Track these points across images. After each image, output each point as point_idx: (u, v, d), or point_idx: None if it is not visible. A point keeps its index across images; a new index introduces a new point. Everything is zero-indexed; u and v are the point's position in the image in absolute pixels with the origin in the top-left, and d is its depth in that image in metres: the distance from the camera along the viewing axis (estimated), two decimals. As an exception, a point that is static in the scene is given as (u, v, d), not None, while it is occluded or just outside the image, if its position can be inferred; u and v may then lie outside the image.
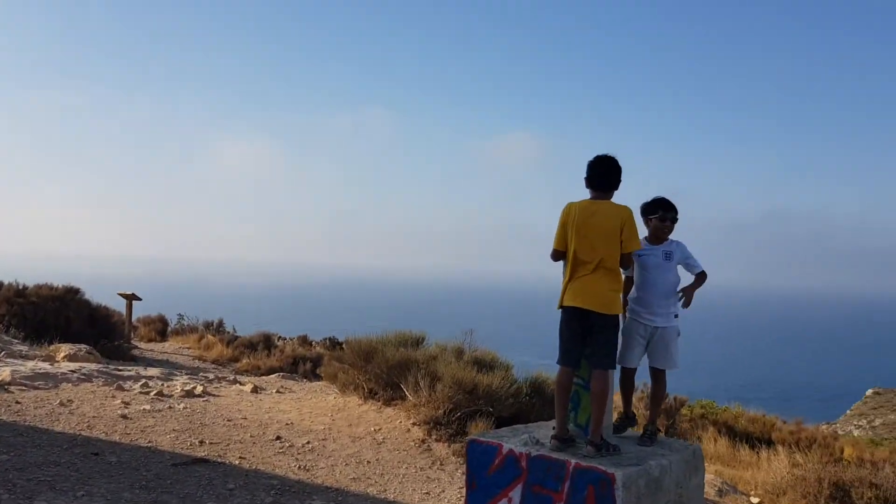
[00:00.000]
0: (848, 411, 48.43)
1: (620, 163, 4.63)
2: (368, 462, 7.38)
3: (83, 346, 13.18)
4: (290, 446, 7.71)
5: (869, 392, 50.10)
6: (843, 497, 7.66)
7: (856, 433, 38.09)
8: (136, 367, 12.79)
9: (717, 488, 8.34)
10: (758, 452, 11.01)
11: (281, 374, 14.67)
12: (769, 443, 12.29)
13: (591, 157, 4.66)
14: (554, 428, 4.69)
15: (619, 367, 4.90)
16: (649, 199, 4.98)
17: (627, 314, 4.89)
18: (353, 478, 6.84)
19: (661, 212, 4.87)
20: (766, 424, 13.87)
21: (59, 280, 16.64)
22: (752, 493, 8.92)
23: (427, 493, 6.67)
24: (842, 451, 12.03)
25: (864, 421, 44.05)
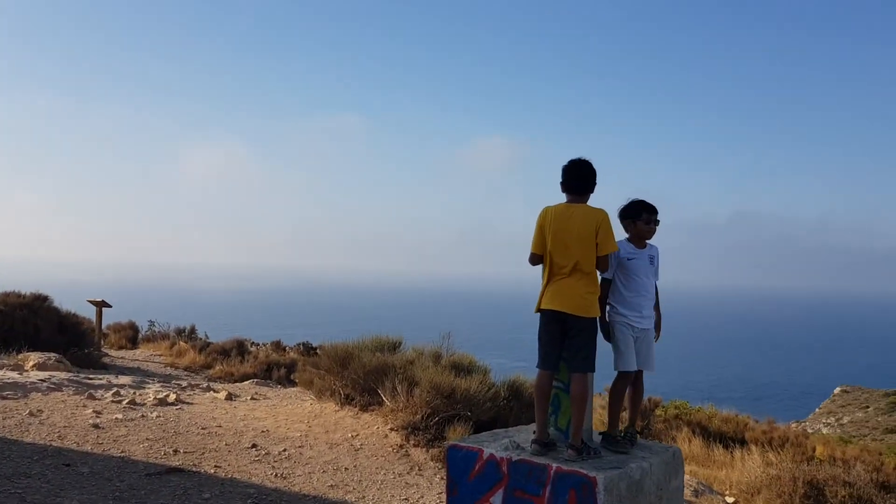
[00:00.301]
0: (817, 409, 49.20)
1: (595, 166, 4.65)
2: (346, 469, 7.32)
3: (53, 355, 12.94)
4: (266, 454, 7.62)
5: (837, 390, 50.95)
6: (817, 496, 7.77)
7: (825, 431, 38.69)
8: (107, 376, 12.58)
9: (692, 489, 8.41)
10: (732, 452, 11.13)
11: (255, 380, 14.53)
12: (742, 442, 12.42)
13: (565, 161, 4.67)
14: (534, 432, 4.68)
15: (617, 372, 4.87)
16: (629, 201, 4.97)
17: (613, 318, 4.85)
18: (331, 485, 6.78)
19: (646, 214, 4.89)
20: (739, 424, 14.02)
21: (27, 287, 16.35)
22: (727, 492, 9.01)
23: (406, 498, 6.63)
24: (814, 450, 12.20)
25: (833, 419, 44.77)
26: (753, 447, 11.39)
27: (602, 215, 4.50)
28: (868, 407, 45.35)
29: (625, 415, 5.37)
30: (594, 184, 4.63)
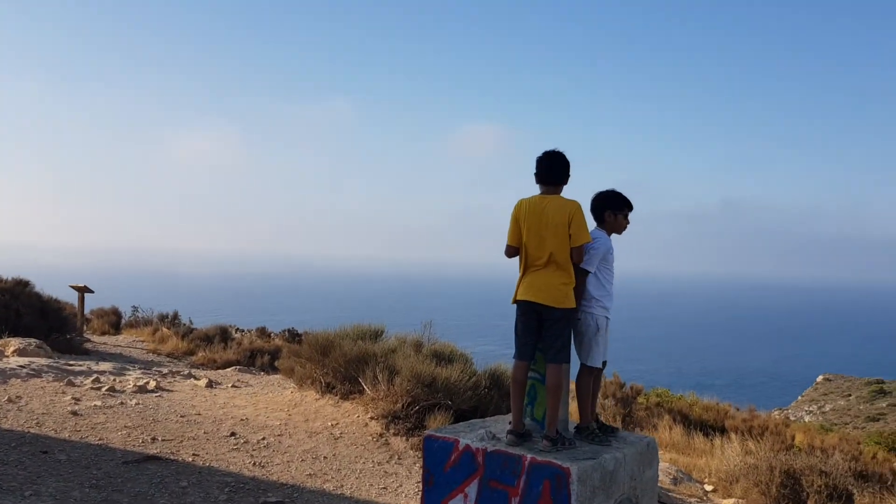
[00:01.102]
0: (799, 397, 49.72)
1: (568, 157, 4.61)
2: (325, 457, 7.32)
3: (33, 341, 12.86)
4: (244, 442, 7.60)
5: (819, 378, 51.49)
6: (793, 485, 7.84)
7: (807, 419, 39.13)
8: (87, 362, 12.51)
9: (671, 476, 8.46)
10: (712, 440, 11.22)
11: (238, 367, 14.50)
12: (723, 430, 12.53)
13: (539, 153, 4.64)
14: (510, 423, 4.68)
15: (589, 366, 4.83)
16: (611, 192, 4.88)
17: (597, 312, 4.75)
18: (310, 474, 6.78)
19: (627, 209, 4.84)
20: (719, 412, 14.14)
21: (8, 272, 16.21)
22: (706, 480, 9.08)
23: (384, 487, 6.63)
24: (793, 438, 12.31)
25: (815, 406, 45.26)
26: (733, 435, 11.50)
27: (575, 206, 4.48)
28: (850, 395, 45.86)
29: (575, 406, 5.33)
30: (568, 175, 4.60)
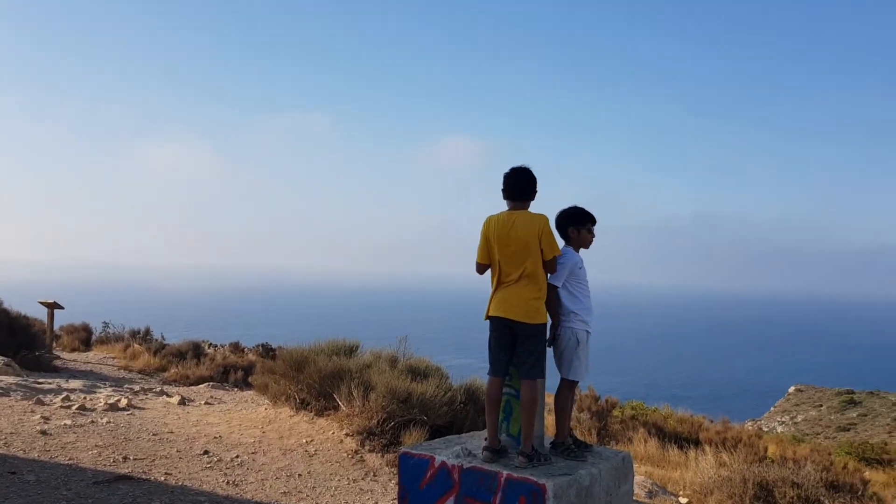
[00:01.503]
0: (772, 408, 50.26)
1: (535, 173, 4.68)
2: (300, 475, 7.25)
3: (1, 358, 12.62)
4: (218, 461, 7.51)
5: (791, 389, 52.11)
6: (766, 497, 7.90)
7: (779, 429, 39.55)
8: (57, 380, 12.30)
9: (646, 489, 8.49)
10: (686, 453, 11.29)
11: (211, 383, 14.33)
12: (697, 443, 12.61)
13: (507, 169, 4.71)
14: (486, 439, 4.69)
15: (573, 381, 4.85)
16: (573, 208, 4.97)
17: (577, 326, 4.80)
18: (284, 492, 6.71)
19: (590, 223, 4.93)
20: (693, 424, 14.23)
21: (-26, 288, 15.91)
22: (681, 493, 9.12)
23: (360, 505, 6.59)
24: (766, 450, 12.42)
25: (787, 417, 45.77)
26: (707, 448, 11.56)
27: (543, 220, 4.54)
28: (821, 405, 46.45)
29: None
30: (535, 190, 4.67)
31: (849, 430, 39.61)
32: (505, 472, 4.31)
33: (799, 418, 44.90)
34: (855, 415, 42.58)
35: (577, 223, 4.93)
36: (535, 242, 4.47)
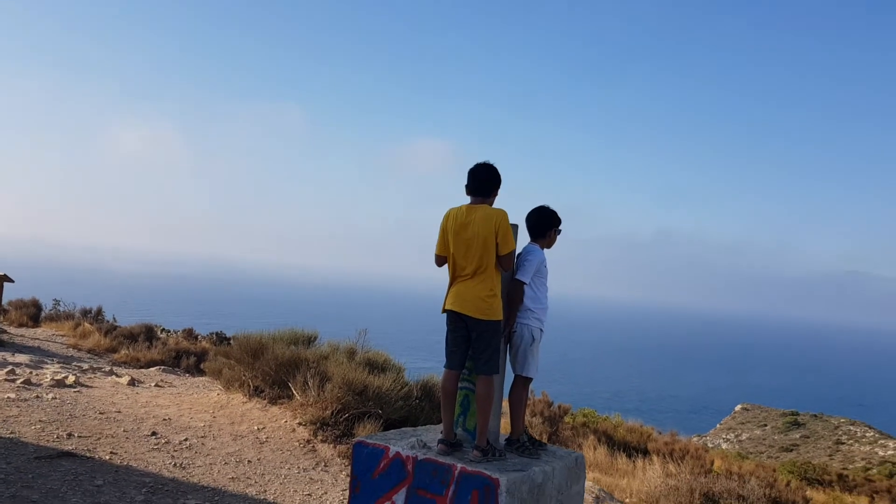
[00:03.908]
0: (718, 425, 51.12)
1: (499, 170, 4.68)
2: (249, 461, 7.15)
3: (-56, 329, 12.25)
4: (165, 443, 7.37)
5: (738, 407, 53.08)
6: (711, 507, 8.02)
7: (724, 446, 40.22)
8: (2, 353, 11.97)
9: (594, 495, 8.56)
10: (634, 461, 11.42)
11: (162, 367, 14.07)
12: (645, 452, 12.76)
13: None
14: (442, 432, 4.66)
15: (528, 378, 4.85)
16: (547, 209, 4.97)
17: (533, 324, 4.79)
18: (232, 477, 6.60)
19: (559, 225, 4.95)
20: (643, 435, 14.41)
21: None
22: (628, 500, 9.21)
23: (309, 494, 6.51)
24: (712, 463, 12.63)
25: (733, 435, 46.59)
26: (655, 457, 11.71)
27: (501, 215, 4.53)
28: (766, 425, 47.40)
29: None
30: (496, 186, 4.66)
31: (791, 450, 40.47)
32: (459, 466, 4.29)
33: (744, 436, 45.74)
34: (798, 436, 43.52)
35: (557, 224, 4.96)
36: (492, 237, 4.46)
